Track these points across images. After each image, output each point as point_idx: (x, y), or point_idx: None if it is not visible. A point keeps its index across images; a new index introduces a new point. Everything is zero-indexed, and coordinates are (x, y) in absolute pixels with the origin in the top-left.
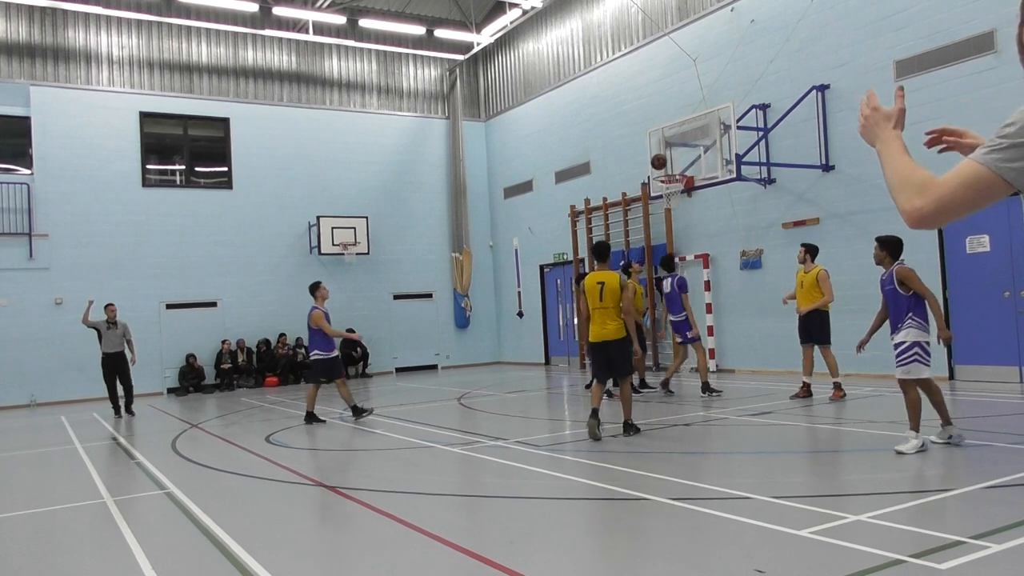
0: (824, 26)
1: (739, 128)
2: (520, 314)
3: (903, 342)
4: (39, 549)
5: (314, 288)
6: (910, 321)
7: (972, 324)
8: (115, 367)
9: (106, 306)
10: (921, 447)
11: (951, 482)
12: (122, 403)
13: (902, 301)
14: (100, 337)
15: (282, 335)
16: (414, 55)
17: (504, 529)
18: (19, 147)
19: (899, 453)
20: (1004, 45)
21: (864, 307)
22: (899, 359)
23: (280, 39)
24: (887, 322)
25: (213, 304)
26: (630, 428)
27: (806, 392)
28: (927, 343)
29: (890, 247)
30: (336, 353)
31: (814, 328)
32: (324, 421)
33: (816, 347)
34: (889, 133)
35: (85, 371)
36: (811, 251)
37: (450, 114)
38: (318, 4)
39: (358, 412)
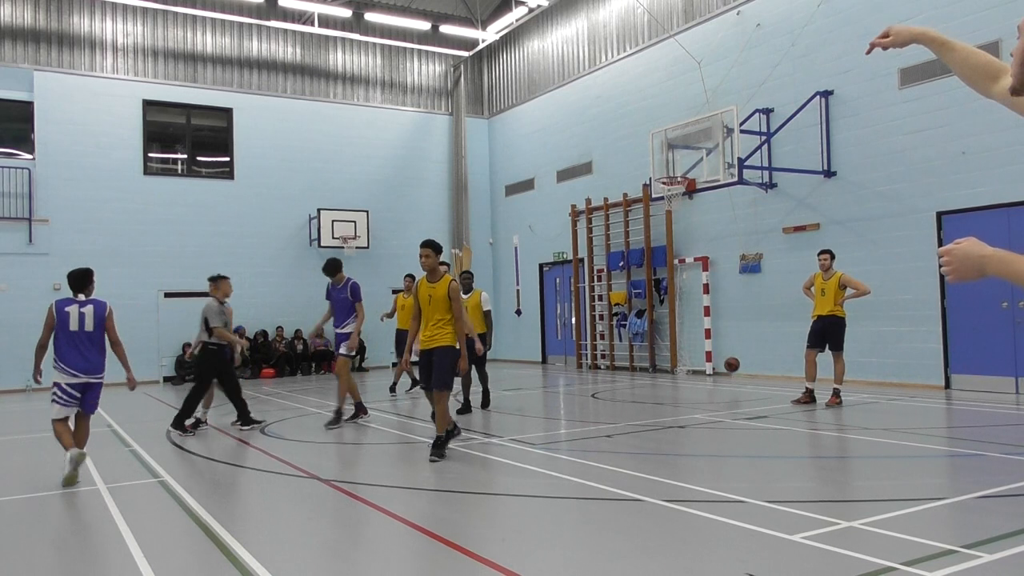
0: (829, 32)
1: (742, 132)
2: (518, 312)
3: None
4: (32, 535)
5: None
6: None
7: (969, 334)
8: None
9: None
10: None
11: (945, 491)
12: None
13: None
14: None
15: (279, 327)
16: (419, 50)
17: (497, 526)
18: (21, 132)
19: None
20: (1009, 55)
21: (866, 314)
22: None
23: (285, 31)
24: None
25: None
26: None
27: (809, 398)
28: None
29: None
30: None
31: (834, 333)
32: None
33: (820, 352)
34: (987, 251)
35: None
36: (833, 257)
37: (453, 110)
38: None
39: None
